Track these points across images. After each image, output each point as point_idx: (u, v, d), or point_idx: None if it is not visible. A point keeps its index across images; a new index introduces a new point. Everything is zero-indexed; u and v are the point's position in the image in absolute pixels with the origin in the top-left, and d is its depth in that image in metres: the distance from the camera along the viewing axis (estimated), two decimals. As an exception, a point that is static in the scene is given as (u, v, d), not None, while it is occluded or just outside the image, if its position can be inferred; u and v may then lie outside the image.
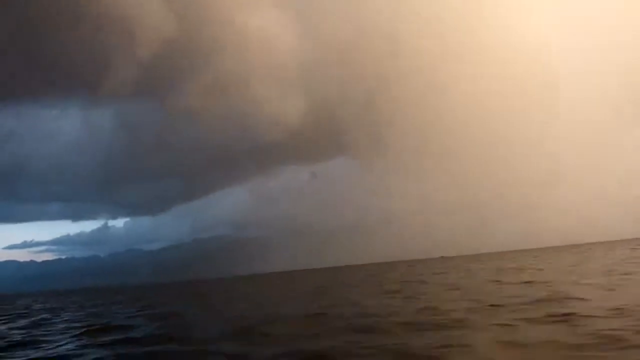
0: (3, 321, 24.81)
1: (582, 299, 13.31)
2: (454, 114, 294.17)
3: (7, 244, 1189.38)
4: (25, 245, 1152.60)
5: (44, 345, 13.84)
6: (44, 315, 27.34)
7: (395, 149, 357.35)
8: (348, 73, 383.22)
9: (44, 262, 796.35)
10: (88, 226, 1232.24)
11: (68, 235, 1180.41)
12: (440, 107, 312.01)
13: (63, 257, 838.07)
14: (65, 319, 23.68)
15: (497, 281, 23.35)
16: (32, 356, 12.04)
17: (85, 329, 16.47)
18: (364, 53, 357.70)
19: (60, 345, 13.39)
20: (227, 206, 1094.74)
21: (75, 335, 15.22)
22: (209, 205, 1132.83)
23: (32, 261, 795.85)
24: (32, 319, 25.24)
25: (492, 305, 13.48)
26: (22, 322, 23.65)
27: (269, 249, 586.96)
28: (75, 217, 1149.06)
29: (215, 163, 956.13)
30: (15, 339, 15.56)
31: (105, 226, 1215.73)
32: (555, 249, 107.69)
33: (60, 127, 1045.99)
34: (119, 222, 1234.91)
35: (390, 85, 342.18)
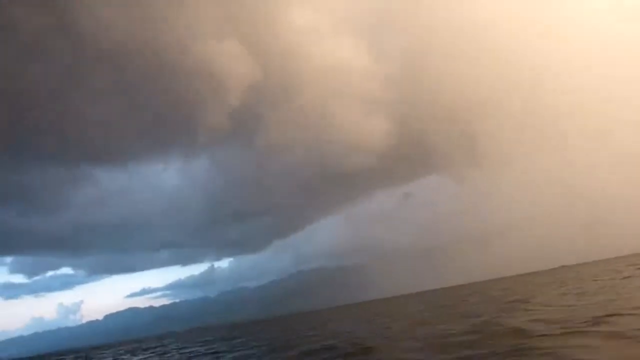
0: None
1: None
2: (552, 114, 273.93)
3: (128, 293, 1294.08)
4: (143, 292, 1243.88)
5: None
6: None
7: (491, 158, 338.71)
8: (430, 87, 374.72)
9: (161, 306, 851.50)
10: (196, 269, 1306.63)
11: (179, 280, 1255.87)
12: (536, 108, 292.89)
13: (177, 300, 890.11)
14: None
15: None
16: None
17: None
18: (442, 65, 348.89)
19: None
20: (324, 237, 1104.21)
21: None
22: (306, 238, 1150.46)
23: (151, 307, 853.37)
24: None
25: None
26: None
27: (369, 276, 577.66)
28: (184, 261, 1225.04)
29: (307, 196, 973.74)
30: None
31: (212, 268, 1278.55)
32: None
33: (164, 179, 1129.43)
34: (224, 263, 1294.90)
35: (474, 93, 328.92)
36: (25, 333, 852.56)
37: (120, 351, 52.57)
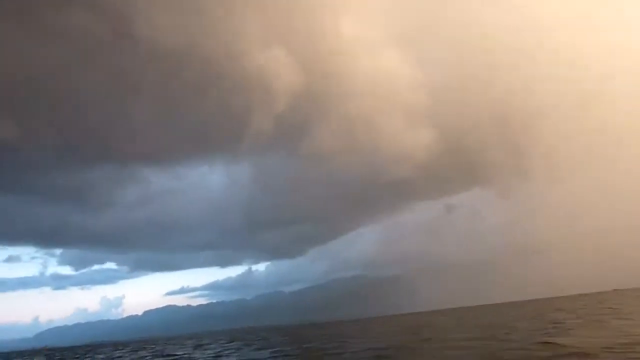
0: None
1: None
2: (608, 125, 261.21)
3: (167, 290, 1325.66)
4: (182, 291, 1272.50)
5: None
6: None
7: (540, 172, 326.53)
8: (477, 98, 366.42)
9: (199, 305, 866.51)
10: (234, 271, 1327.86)
11: (217, 281, 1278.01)
12: (588, 120, 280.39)
13: (214, 301, 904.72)
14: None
15: None
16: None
17: None
18: (491, 77, 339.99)
19: None
20: (361, 246, 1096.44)
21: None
22: (344, 246, 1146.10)
23: (188, 305, 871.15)
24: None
25: None
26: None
27: (406, 289, 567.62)
28: (223, 263, 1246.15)
29: (347, 204, 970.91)
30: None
31: (249, 271, 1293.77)
32: None
33: (208, 182, 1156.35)
34: (261, 266, 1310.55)
35: (524, 104, 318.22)
36: (69, 323, 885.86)
37: (187, 344, 52.13)
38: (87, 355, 44.72)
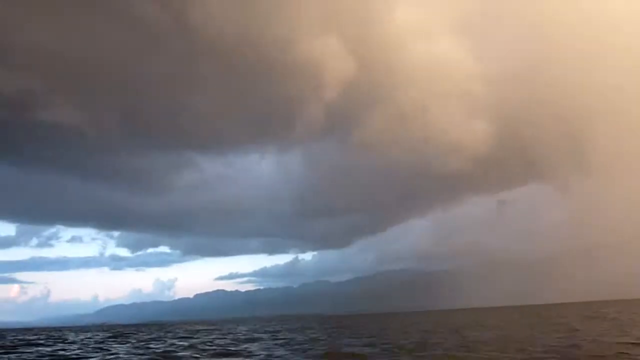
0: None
1: None
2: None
3: (217, 275, 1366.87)
4: (231, 276, 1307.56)
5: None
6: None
7: (603, 168, 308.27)
8: (536, 90, 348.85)
9: (247, 291, 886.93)
10: (281, 259, 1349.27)
11: (265, 268, 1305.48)
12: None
13: (261, 287, 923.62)
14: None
15: None
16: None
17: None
18: (552, 69, 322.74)
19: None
20: (410, 239, 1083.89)
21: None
22: (392, 238, 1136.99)
23: (237, 291, 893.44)
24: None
25: None
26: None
27: (453, 284, 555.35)
28: (271, 251, 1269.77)
29: (397, 195, 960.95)
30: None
31: (296, 259, 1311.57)
32: None
33: (258, 171, 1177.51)
34: (308, 256, 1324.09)
35: (588, 98, 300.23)
36: (126, 302, 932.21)
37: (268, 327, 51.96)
38: (167, 331, 46.03)
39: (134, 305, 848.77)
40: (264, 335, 30.57)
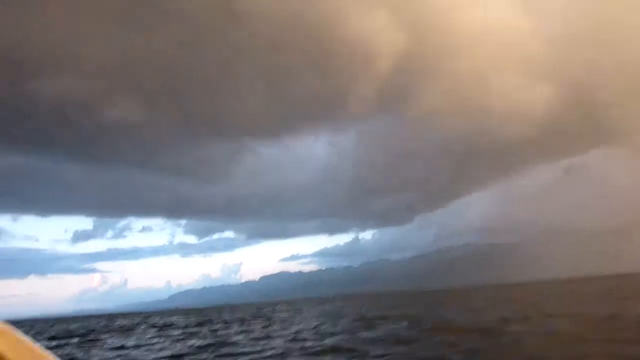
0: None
1: None
2: None
3: (280, 257, 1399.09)
4: (293, 257, 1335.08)
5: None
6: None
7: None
8: (603, 51, 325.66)
9: (309, 272, 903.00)
10: (341, 239, 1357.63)
11: (326, 248, 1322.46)
12: None
13: (323, 267, 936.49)
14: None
15: None
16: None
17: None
18: (618, 28, 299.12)
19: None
20: (472, 212, 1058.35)
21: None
22: (453, 213, 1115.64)
23: (300, 272, 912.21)
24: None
25: None
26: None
27: (522, 256, 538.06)
28: (330, 231, 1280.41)
29: (456, 168, 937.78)
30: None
31: (356, 239, 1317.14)
32: None
33: (314, 153, 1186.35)
34: (368, 234, 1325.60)
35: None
36: (196, 287, 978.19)
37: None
38: (262, 310, 47.64)
39: (203, 290, 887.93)
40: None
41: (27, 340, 1.94)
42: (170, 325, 33.29)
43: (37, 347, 1.91)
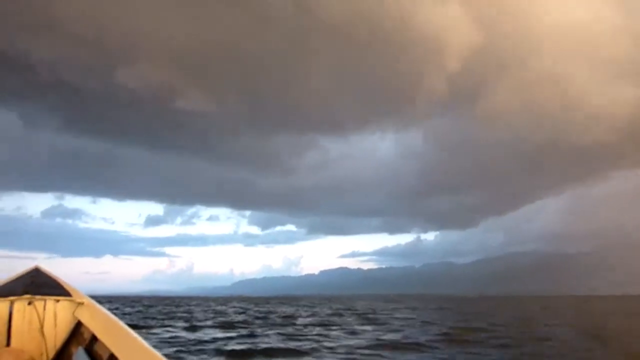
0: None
1: None
2: None
3: (340, 254, 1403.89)
4: (353, 254, 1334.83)
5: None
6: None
7: None
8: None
9: (369, 270, 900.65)
10: (402, 239, 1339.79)
11: (386, 247, 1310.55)
12: None
13: (383, 266, 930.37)
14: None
15: None
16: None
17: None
18: None
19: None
20: (542, 219, 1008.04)
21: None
22: (522, 218, 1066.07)
23: (359, 269, 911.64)
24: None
25: None
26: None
27: (595, 268, 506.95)
28: (392, 230, 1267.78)
29: (529, 171, 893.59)
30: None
31: (418, 239, 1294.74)
32: None
33: (379, 149, 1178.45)
34: (430, 236, 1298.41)
35: None
36: (258, 277, 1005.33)
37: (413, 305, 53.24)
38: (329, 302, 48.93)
39: (265, 280, 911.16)
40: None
41: (108, 314, 2.06)
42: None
43: (117, 321, 2.00)
